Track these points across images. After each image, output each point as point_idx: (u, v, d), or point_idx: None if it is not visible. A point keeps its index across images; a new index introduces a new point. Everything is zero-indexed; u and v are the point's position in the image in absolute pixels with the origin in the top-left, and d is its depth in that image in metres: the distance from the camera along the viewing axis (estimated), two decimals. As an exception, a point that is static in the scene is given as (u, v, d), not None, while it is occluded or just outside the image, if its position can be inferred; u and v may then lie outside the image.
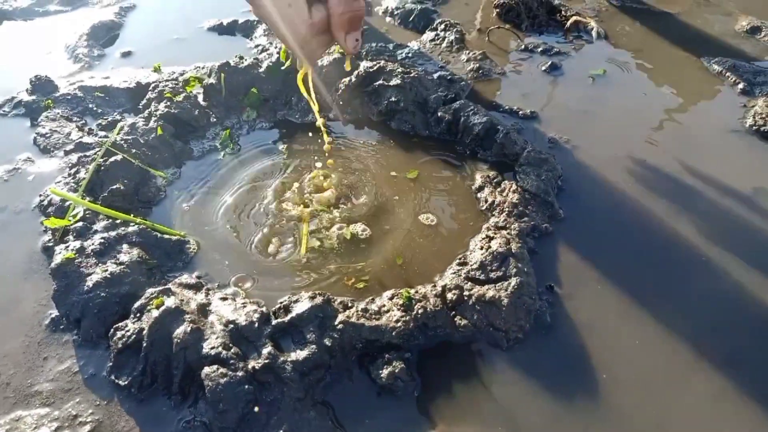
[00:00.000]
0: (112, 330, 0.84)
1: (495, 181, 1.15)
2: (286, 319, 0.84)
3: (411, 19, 1.75)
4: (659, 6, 1.84)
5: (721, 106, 1.40)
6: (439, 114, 1.28)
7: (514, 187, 1.11)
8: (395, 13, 1.78)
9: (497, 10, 1.76)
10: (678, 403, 0.80)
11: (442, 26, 1.68)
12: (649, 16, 1.78)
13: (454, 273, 0.94)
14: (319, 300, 0.86)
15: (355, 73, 1.34)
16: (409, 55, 1.57)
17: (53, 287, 0.88)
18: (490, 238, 0.99)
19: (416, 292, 0.90)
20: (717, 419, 0.78)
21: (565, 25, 1.69)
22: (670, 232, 1.06)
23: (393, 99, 1.29)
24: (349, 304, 0.89)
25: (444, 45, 1.62)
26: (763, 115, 1.32)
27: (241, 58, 1.47)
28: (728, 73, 1.50)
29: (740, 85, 1.45)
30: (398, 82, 1.30)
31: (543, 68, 1.52)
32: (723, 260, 1.00)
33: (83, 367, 0.85)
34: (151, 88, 1.31)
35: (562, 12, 1.72)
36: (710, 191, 1.14)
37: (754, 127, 1.31)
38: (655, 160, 1.22)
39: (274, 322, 0.84)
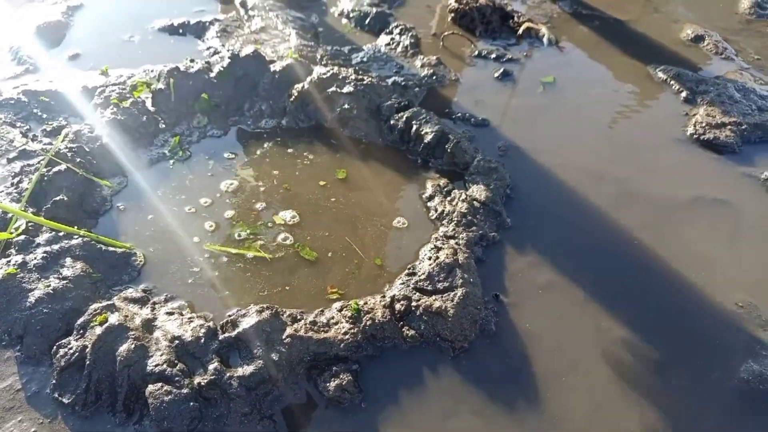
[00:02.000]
0: (55, 347, 0.83)
1: (445, 190, 1.17)
2: (233, 333, 0.84)
3: (367, 21, 1.75)
4: (610, 12, 1.89)
5: (665, 115, 1.45)
6: (391, 122, 1.29)
7: (463, 196, 1.13)
8: (351, 15, 1.78)
9: (452, 15, 1.77)
10: (614, 404, 0.83)
11: (398, 30, 1.69)
12: (600, 22, 1.83)
13: (403, 283, 0.96)
14: (267, 314, 0.86)
15: (309, 79, 1.34)
16: (364, 59, 1.58)
17: (-7, 304, 0.86)
18: (438, 249, 1.01)
19: (365, 303, 0.92)
20: (653, 419, 0.82)
21: (518, 31, 1.72)
22: (613, 240, 1.10)
23: (346, 106, 1.30)
24: (298, 317, 0.89)
25: (399, 49, 1.63)
26: (703, 124, 1.38)
27: (192, 61, 1.45)
28: (672, 82, 1.55)
29: (683, 94, 1.51)
30: (351, 89, 1.31)
31: (495, 75, 1.55)
32: (664, 266, 1.04)
33: (26, 384, 0.83)
34: (97, 93, 1.28)
35: (515, 18, 1.75)
36: (653, 199, 1.19)
37: (694, 136, 1.37)
38: (600, 168, 1.26)
39: (221, 336, 0.84)
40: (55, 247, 0.94)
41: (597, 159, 1.29)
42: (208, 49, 1.54)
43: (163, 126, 1.25)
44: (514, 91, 1.51)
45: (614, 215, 1.15)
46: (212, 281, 0.97)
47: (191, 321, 0.85)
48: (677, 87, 1.53)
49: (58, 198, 1.01)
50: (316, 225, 1.08)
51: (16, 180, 1.08)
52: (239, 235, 1.03)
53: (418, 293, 0.94)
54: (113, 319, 0.82)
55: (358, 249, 1.03)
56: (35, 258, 0.91)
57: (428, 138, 1.24)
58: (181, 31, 1.60)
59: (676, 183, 1.23)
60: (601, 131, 1.39)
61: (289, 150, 1.26)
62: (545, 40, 1.70)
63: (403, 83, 1.47)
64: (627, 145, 1.34)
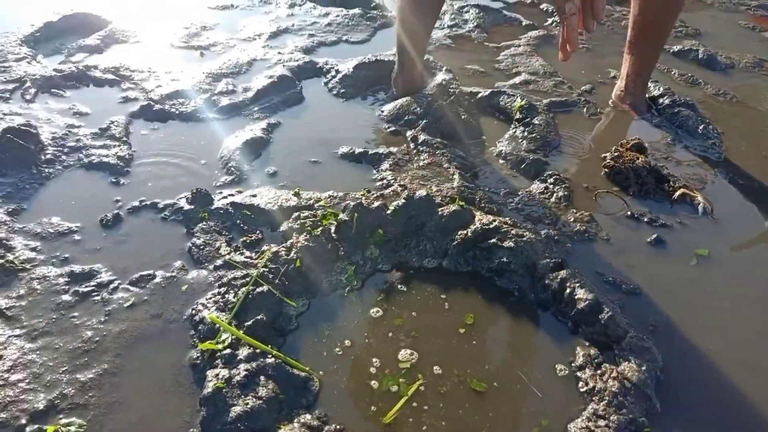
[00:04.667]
0: (246, 461, 0.96)
1: (596, 361, 1.22)
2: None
3: (523, 166, 1.88)
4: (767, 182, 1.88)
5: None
6: (546, 281, 1.38)
7: (614, 373, 1.17)
8: (508, 157, 1.92)
9: (606, 169, 1.86)
10: None
11: (552, 180, 1.80)
12: (757, 193, 1.83)
13: (553, 460, 1.01)
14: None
15: (472, 228, 1.47)
16: (519, 205, 1.69)
17: (202, 413, 1.02)
18: (590, 430, 1.05)
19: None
20: None
21: (672, 195, 1.76)
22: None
23: (505, 260, 1.41)
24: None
25: (552, 200, 1.73)
26: None
27: (369, 191, 1.64)
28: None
29: None
30: (512, 245, 1.42)
31: (648, 239, 1.59)
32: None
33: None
34: (293, 217, 1.48)
35: (670, 182, 1.80)
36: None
37: None
38: (755, 359, 1.25)
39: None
40: (254, 364, 1.10)
41: (752, 347, 1.29)
42: (381, 180, 1.73)
43: (342, 254, 1.42)
44: (666, 260, 1.54)
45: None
46: (383, 415, 1.08)
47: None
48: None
49: (259, 317, 1.19)
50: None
51: (222, 290, 1.28)
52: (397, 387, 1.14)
53: (567, 474, 0.98)
54: (300, 448, 0.95)
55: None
56: (239, 374, 1.07)
57: (581, 305, 1.31)
58: (360, 159, 1.81)
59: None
60: (757, 316, 1.38)
61: (445, 296, 1.37)
62: (700, 208, 1.73)
63: (556, 237, 1.56)
64: (786, 341, 1.32)
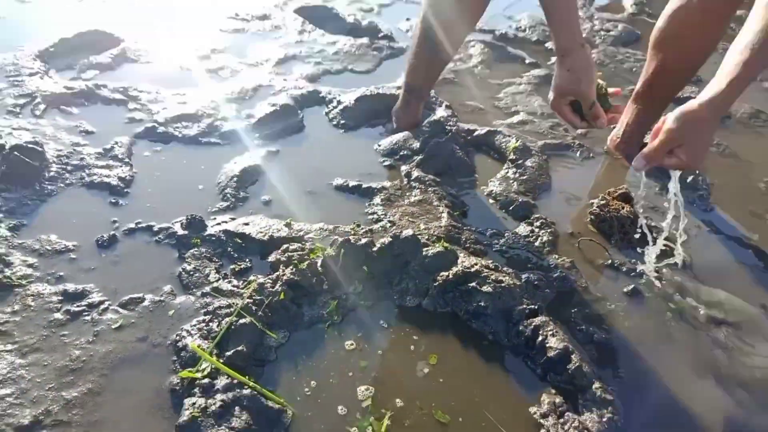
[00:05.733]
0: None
1: (560, 410, 1.26)
2: None
3: (511, 208, 1.93)
4: (745, 231, 1.92)
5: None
6: (520, 327, 1.42)
7: (576, 423, 1.22)
8: (498, 198, 1.97)
9: (592, 216, 1.91)
10: None
11: (538, 223, 1.85)
12: (734, 244, 1.87)
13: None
14: None
15: (454, 270, 1.52)
16: (504, 247, 1.74)
17: (177, 440, 1.08)
18: (546, 481, 1.10)
19: None
20: None
21: (654, 246, 1.81)
22: None
23: (482, 303, 1.46)
24: None
25: (537, 243, 1.78)
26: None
27: (358, 225, 1.70)
28: (807, 336, 1.55)
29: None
30: (490, 290, 1.46)
31: (625, 290, 1.64)
32: None
33: None
34: (282, 249, 1.54)
35: (652, 233, 1.84)
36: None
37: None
38: (741, 419, 1.29)
39: None
40: (230, 395, 1.15)
41: (735, 412, 1.32)
42: (372, 214, 1.79)
43: (326, 287, 1.48)
44: (641, 311, 1.59)
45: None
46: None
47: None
48: (813, 343, 1.53)
49: (239, 348, 1.24)
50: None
51: (207, 318, 1.34)
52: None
53: None
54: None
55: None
56: (214, 404, 1.12)
57: (552, 353, 1.35)
58: (353, 191, 1.87)
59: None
60: (736, 377, 1.41)
61: (417, 336, 1.42)
62: (679, 260, 1.77)
63: (536, 282, 1.60)
64: (746, 401, 1.36)
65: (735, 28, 1.51)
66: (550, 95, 1.65)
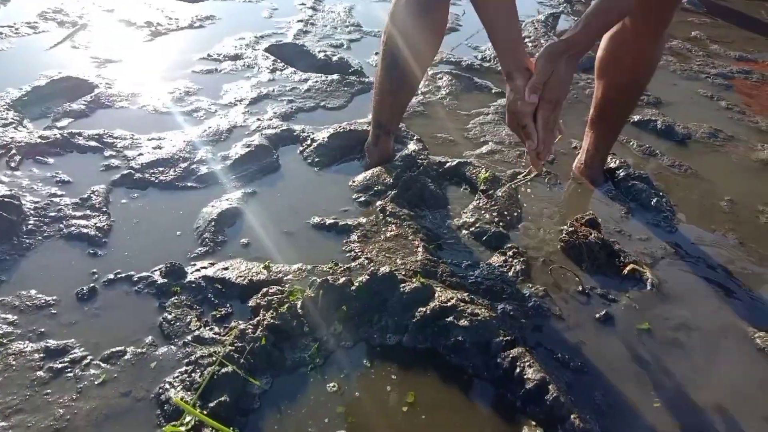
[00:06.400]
0: None
1: (539, 441, 1.31)
2: None
3: (484, 238, 1.99)
4: (717, 260, 2.00)
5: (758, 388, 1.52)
6: (498, 360, 1.47)
7: (555, 453, 1.26)
8: (471, 229, 2.03)
9: (562, 243, 1.97)
10: None
11: (511, 252, 1.90)
12: (708, 267, 1.95)
13: None
14: None
15: (431, 305, 1.56)
16: (479, 278, 1.79)
17: (164, 496, 1.09)
18: None
19: None
20: None
21: (623, 270, 1.88)
22: None
23: (460, 338, 1.50)
24: None
25: (510, 273, 1.83)
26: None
27: (336, 264, 1.73)
28: (772, 351, 1.62)
29: (782, 367, 1.57)
30: (467, 324, 1.51)
31: (597, 315, 1.70)
32: None
33: None
34: (261, 294, 1.57)
35: (621, 257, 1.91)
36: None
37: (788, 421, 1.42)
38: None
39: None
40: (215, 447, 1.17)
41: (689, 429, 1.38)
42: (349, 252, 1.82)
43: (307, 329, 1.50)
44: (613, 335, 1.64)
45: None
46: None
47: None
48: (777, 359, 1.60)
49: (222, 398, 1.26)
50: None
51: (190, 368, 1.35)
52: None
53: None
54: None
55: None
56: (200, 457, 1.14)
57: (529, 385, 1.39)
58: (330, 229, 1.91)
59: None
60: (703, 399, 1.47)
61: (396, 375, 1.46)
62: (648, 283, 1.84)
63: (511, 313, 1.65)
64: (719, 420, 1.42)
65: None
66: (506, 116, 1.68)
